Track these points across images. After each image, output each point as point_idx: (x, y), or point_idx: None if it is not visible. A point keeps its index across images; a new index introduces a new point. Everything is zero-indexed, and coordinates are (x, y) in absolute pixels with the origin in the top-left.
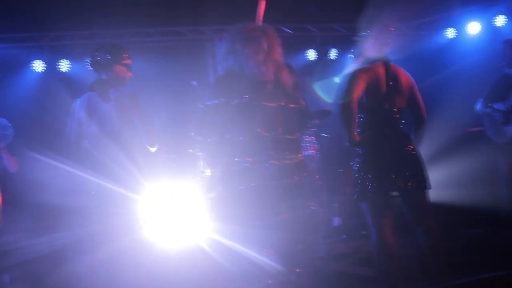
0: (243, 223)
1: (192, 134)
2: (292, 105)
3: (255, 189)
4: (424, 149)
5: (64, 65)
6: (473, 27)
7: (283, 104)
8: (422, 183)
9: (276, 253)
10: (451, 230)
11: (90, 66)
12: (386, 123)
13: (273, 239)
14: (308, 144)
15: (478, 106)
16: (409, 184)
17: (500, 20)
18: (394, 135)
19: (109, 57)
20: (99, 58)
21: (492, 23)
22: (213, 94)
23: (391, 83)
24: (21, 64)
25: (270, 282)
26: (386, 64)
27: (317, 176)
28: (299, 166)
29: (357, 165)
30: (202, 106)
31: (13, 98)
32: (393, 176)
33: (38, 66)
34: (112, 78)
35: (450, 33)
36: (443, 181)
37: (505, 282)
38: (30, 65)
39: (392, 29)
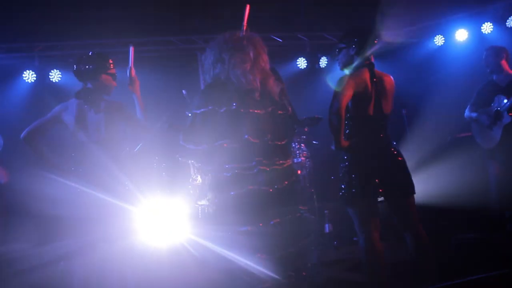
0: (234, 229)
1: (181, 142)
2: (280, 112)
3: (246, 195)
4: (414, 154)
5: (55, 75)
6: (461, 34)
7: (270, 111)
8: (407, 188)
9: (266, 258)
10: (443, 235)
11: (74, 75)
12: (371, 129)
13: (264, 245)
14: (298, 151)
15: (466, 112)
16: (395, 189)
17: (487, 28)
18: (379, 140)
19: (94, 66)
20: (84, 67)
21: (479, 31)
22: (201, 102)
23: (376, 90)
24: (12, 74)
25: None
26: (371, 70)
27: (308, 183)
28: (288, 171)
29: (343, 170)
30: (190, 114)
31: (4, 108)
32: (379, 181)
33: (29, 76)
34: (97, 87)
35: (439, 40)
36: (434, 187)
37: (493, 283)
38: (21, 75)
39: (377, 34)
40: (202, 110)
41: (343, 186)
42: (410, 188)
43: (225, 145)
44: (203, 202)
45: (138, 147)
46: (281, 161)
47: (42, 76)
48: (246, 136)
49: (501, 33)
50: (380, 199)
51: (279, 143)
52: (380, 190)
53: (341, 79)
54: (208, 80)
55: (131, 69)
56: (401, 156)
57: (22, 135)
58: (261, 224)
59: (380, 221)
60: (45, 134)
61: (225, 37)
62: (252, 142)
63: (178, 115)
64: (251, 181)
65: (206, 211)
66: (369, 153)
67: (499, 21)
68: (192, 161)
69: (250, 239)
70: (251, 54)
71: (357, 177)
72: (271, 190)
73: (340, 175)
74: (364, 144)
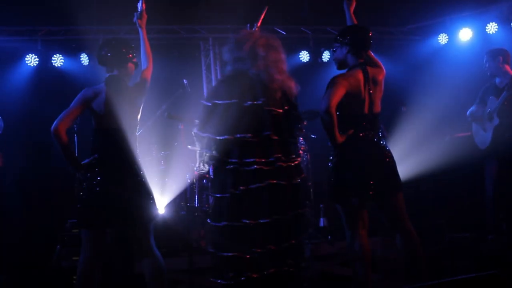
0: (251, 221)
1: (196, 131)
2: (293, 112)
3: (266, 188)
4: (412, 151)
5: (57, 60)
6: (465, 34)
7: (287, 110)
8: (394, 186)
9: (272, 249)
10: (436, 234)
11: (100, 59)
12: (364, 127)
13: (275, 236)
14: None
15: (467, 113)
16: (383, 187)
17: (492, 28)
18: (371, 139)
19: (124, 53)
20: (114, 53)
21: (484, 30)
22: (225, 94)
23: (370, 88)
24: (14, 58)
25: (254, 276)
26: (364, 69)
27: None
28: (300, 167)
29: (333, 166)
30: (210, 104)
31: (5, 91)
32: (368, 178)
33: (32, 60)
34: (123, 74)
35: (442, 38)
36: (430, 185)
37: (481, 283)
38: (24, 59)
39: (371, 34)
40: (226, 101)
41: (332, 181)
42: (397, 185)
43: (245, 138)
44: (221, 193)
45: (138, 133)
46: (296, 158)
47: (45, 61)
48: (267, 132)
49: (506, 33)
50: (368, 196)
51: (293, 140)
52: (369, 187)
53: (333, 79)
54: (229, 72)
55: (143, 3)
56: (390, 153)
57: (53, 127)
58: (276, 217)
59: (370, 217)
60: (73, 125)
61: (257, 34)
62: (272, 138)
63: (178, 104)
64: (272, 175)
65: (222, 203)
66: (360, 150)
67: (504, 22)
68: (205, 151)
69: (263, 231)
70: (282, 55)
71: (347, 174)
72: (288, 184)
73: (330, 164)
74: (356, 141)
